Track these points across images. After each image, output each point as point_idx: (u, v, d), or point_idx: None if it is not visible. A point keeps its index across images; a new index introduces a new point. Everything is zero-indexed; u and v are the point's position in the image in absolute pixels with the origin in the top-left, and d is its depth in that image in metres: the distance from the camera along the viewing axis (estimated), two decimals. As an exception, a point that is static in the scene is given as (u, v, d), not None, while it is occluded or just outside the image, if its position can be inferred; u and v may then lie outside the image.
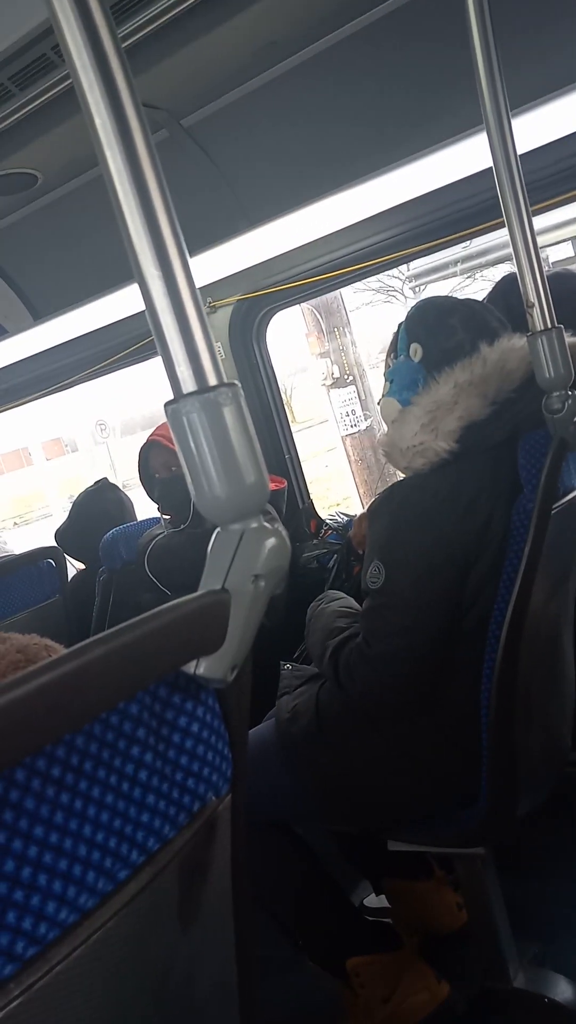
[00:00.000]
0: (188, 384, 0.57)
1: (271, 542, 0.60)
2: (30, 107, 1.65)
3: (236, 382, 0.58)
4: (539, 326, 1.35)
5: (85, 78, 0.55)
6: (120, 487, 3.19)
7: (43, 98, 1.60)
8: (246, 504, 0.59)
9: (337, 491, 10.96)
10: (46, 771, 0.48)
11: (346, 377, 7.09)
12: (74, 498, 3.20)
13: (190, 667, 0.58)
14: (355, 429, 7.25)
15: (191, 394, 0.57)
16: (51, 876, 0.48)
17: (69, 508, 3.16)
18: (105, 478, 3.25)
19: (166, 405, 0.58)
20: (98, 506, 3.01)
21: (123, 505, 3.06)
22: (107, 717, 0.53)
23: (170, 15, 1.45)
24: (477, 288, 11.49)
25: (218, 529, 0.60)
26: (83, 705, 0.45)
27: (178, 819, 0.59)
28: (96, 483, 3.14)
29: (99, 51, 0.55)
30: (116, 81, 0.56)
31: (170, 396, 0.59)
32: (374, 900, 2.04)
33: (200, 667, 0.58)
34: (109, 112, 0.55)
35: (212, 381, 0.57)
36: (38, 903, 0.47)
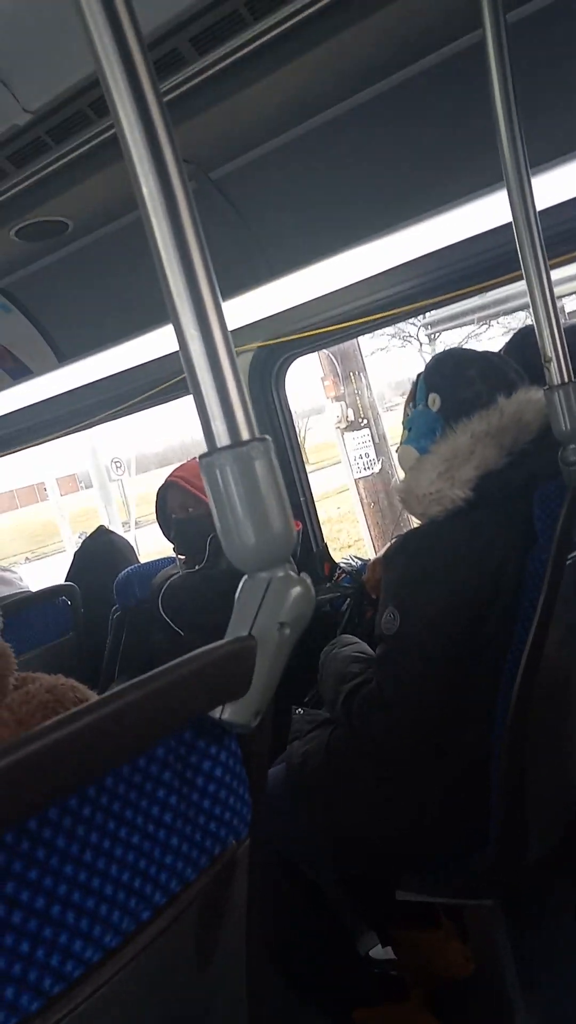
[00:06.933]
0: (223, 438, 0.59)
1: (297, 590, 0.62)
2: (65, 160, 1.71)
3: (267, 437, 0.61)
4: (556, 380, 1.38)
5: (130, 133, 0.58)
6: (123, 527, 3.31)
7: (79, 151, 1.66)
8: (273, 553, 0.61)
9: (349, 533, 10.97)
10: (77, 810, 0.50)
11: (360, 420, 7.14)
12: (84, 535, 3.30)
13: (215, 712, 0.60)
14: (368, 472, 7.28)
15: (225, 448, 0.59)
16: (79, 914, 0.49)
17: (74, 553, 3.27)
18: (102, 526, 3.37)
19: (201, 457, 0.60)
20: (97, 552, 3.13)
21: (119, 548, 3.14)
22: (135, 759, 0.55)
23: (204, 75, 1.52)
24: (492, 335, 11.60)
25: (245, 576, 0.62)
26: (119, 748, 0.47)
27: (199, 861, 0.60)
28: (95, 531, 3.27)
29: (143, 107, 0.58)
30: (158, 136, 0.59)
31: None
32: (380, 952, 2.01)
33: (226, 712, 0.60)
34: (151, 165, 0.58)
35: (245, 436, 0.59)
36: (66, 941, 0.48)
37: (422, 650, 1.42)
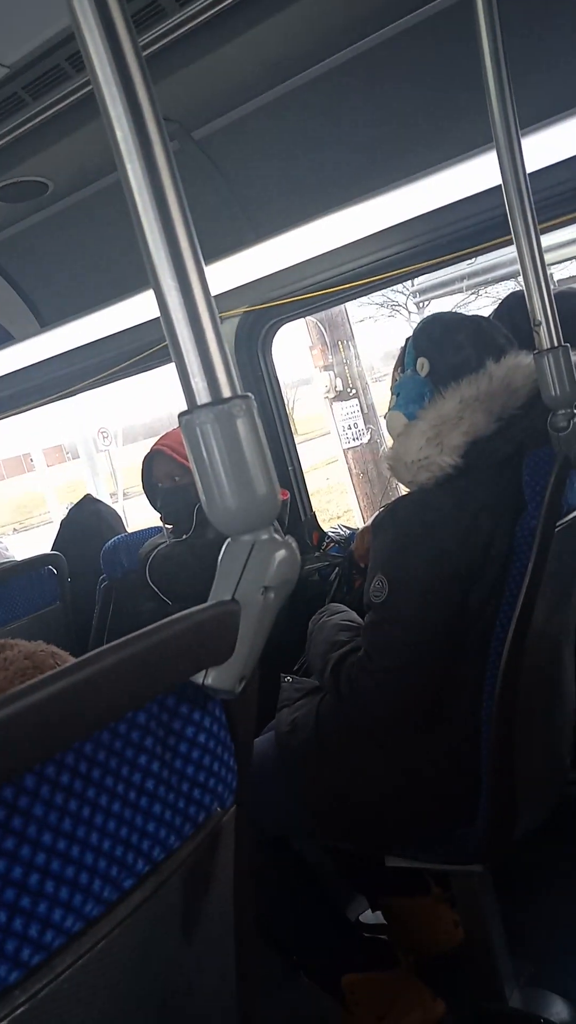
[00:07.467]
0: (202, 396, 0.57)
1: (281, 554, 0.60)
2: (43, 116, 1.66)
3: (249, 395, 0.58)
4: (546, 344, 1.36)
5: (107, 88, 0.56)
6: (111, 498, 3.29)
7: (56, 108, 1.61)
8: (257, 515, 0.59)
9: (338, 504, 10.97)
10: (55, 778, 0.48)
11: (349, 390, 7.10)
12: (71, 505, 3.28)
13: (198, 677, 0.58)
14: (357, 442, 7.26)
15: (205, 405, 0.57)
16: (58, 883, 0.48)
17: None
18: (88, 494, 3.34)
19: (180, 415, 0.58)
20: (83, 521, 3.11)
21: (105, 518, 3.12)
22: (115, 725, 0.53)
23: (185, 28, 1.47)
24: (482, 304, 11.53)
25: (229, 540, 0.60)
26: (95, 713, 0.45)
27: (183, 829, 0.59)
28: (81, 500, 3.25)
29: (121, 62, 0.55)
30: (137, 92, 0.56)
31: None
32: (370, 916, 2.03)
33: (208, 677, 0.58)
34: (129, 123, 0.56)
35: (226, 393, 0.57)
36: (45, 910, 0.47)
37: (410, 618, 1.41)
